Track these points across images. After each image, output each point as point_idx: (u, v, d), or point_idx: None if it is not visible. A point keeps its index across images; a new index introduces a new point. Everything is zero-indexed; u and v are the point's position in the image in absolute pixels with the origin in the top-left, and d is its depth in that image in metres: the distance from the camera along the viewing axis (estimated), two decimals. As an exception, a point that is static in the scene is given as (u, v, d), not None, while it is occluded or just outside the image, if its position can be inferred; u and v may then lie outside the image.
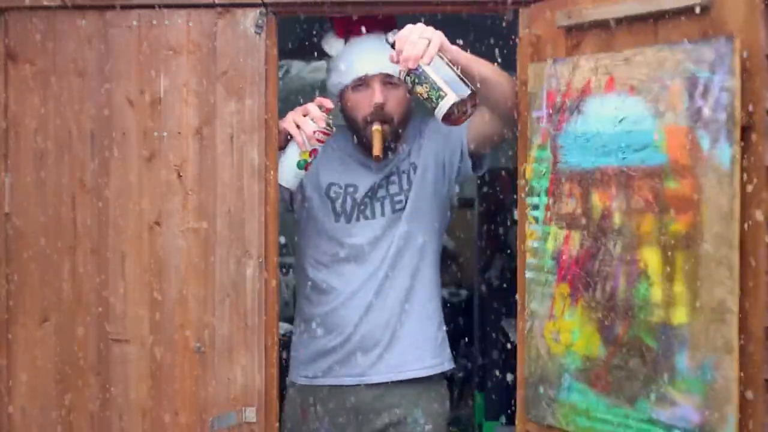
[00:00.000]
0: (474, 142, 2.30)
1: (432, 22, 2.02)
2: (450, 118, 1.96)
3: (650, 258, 1.68)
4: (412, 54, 1.92)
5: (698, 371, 1.61)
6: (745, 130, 1.58)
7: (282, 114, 2.16)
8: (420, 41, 1.92)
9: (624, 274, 1.73)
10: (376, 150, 2.20)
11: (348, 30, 2.35)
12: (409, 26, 1.96)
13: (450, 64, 1.96)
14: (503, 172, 4.17)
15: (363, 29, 2.33)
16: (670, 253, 1.65)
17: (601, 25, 1.84)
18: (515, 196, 2.07)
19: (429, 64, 1.93)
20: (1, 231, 2.11)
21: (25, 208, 2.10)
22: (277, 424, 2.12)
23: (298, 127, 2.14)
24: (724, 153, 1.56)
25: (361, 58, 2.29)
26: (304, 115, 2.14)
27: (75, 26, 2.09)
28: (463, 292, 5.08)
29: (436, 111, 1.96)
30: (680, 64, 1.63)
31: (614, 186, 1.75)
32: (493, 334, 4.00)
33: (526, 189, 1.96)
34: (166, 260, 2.08)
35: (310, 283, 2.41)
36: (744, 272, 1.58)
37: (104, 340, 2.09)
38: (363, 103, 2.28)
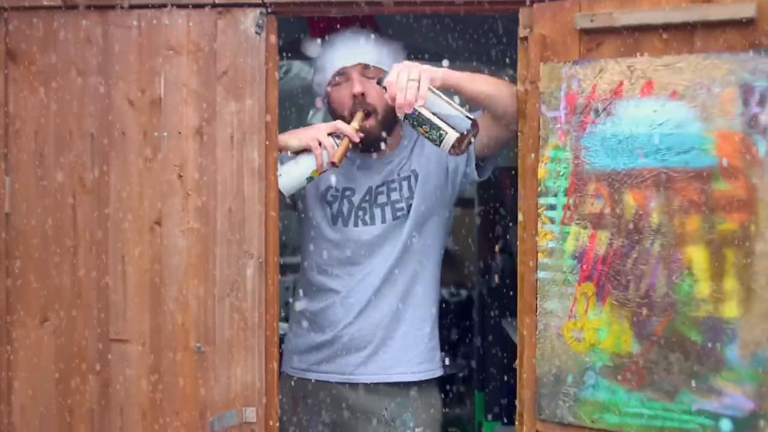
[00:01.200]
0: (480, 147, 2.29)
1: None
2: (454, 151, 2.03)
3: (695, 255, 1.78)
4: (405, 100, 1.97)
5: (751, 361, 1.73)
6: None
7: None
8: (410, 84, 1.97)
9: (663, 271, 1.81)
10: (336, 158, 2.17)
11: (323, 29, 2.36)
12: (395, 69, 2.01)
13: (444, 97, 2.01)
14: (503, 172, 4.17)
15: (338, 26, 2.34)
16: (718, 251, 1.76)
17: (627, 29, 1.88)
18: (516, 196, 2.07)
19: (423, 105, 1.99)
20: (1, 231, 2.11)
21: (25, 208, 2.10)
22: (278, 424, 2.12)
23: (320, 143, 2.16)
24: None
25: (337, 52, 2.31)
26: (329, 134, 2.17)
27: (75, 26, 2.09)
28: (463, 292, 5.07)
29: (441, 147, 2.03)
30: (733, 72, 1.74)
31: (652, 186, 1.82)
32: (493, 334, 3.99)
33: (539, 189, 1.96)
34: (166, 260, 2.08)
35: (307, 280, 2.41)
36: None
37: (104, 340, 2.09)
38: (345, 97, 2.29)
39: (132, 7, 2.08)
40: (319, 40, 2.37)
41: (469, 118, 2.00)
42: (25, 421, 2.11)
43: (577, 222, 1.92)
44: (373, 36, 2.33)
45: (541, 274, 1.97)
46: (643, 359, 1.84)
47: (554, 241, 1.95)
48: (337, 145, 2.18)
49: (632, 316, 1.85)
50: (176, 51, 2.08)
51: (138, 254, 2.08)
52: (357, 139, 2.18)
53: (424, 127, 2.00)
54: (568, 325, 1.93)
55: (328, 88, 2.33)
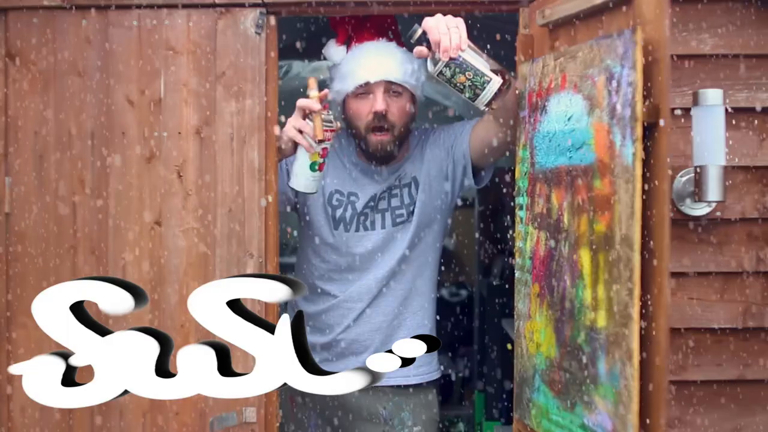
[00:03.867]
0: (478, 153, 2.28)
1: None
2: (490, 103, 1.95)
3: (585, 259, 1.65)
4: (453, 43, 1.89)
5: (610, 377, 1.57)
6: (651, 128, 1.54)
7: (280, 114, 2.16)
8: (453, 29, 1.90)
9: (569, 275, 1.69)
10: (317, 134, 2.05)
11: (350, 37, 2.34)
12: (432, 18, 1.93)
13: (477, 50, 1.95)
14: (503, 172, 4.18)
15: (365, 36, 2.32)
16: (596, 255, 1.61)
17: (568, 22, 1.82)
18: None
19: (465, 51, 1.91)
20: (1, 231, 2.11)
21: (25, 208, 2.10)
22: (278, 424, 2.12)
23: (300, 131, 2.07)
24: (628, 150, 1.52)
25: (363, 64, 2.26)
26: (304, 118, 2.07)
27: (75, 26, 2.09)
28: (463, 292, 5.08)
29: (481, 96, 1.93)
30: (603, 59, 1.59)
31: (564, 186, 1.72)
32: (493, 334, 3.99)
33: (516, 189, 1.96)
34: (166, 260, 2.08)
35: (305, 282, 2.40)
36: (649, 275, 1.53)
37: (104, 340, 2.09)
38: (364, 111, 2.25)
39: (132, 7, 2.08)
40: (344, 47, 2.33)
41: (501, 72, 1.94)
42: (25, 421, 2.11)
43: (532, 222, 1.85)
44: (399, 52, 2.30)
45: (516, 274, 1.95)
46: (561, 366, 1.72)
47: (522, 241, 1.91)
48: (311, 122, 2.06)
49: (555, 321, 1.74)
50: (176, 51, 2.08)
51: (138, 254, 2.08)
52: (318, 107, 2.02)
53: (467, 73, 1.91)
54: (527, 326, 1.88)
55: (349, 98, 2.28)
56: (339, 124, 2.11)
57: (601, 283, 1.58)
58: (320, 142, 2.04)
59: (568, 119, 1.70)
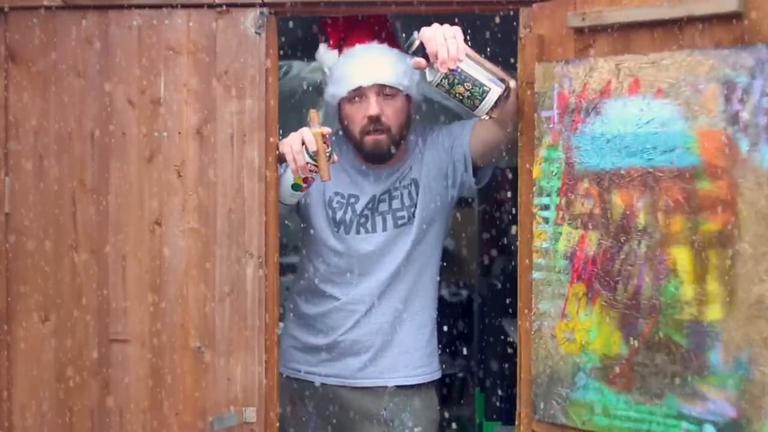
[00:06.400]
0: (478, 153, 2.28)
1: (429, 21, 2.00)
2: (491, 112, 1.96)
3: (680, 257, 1.75)
4: (451, 54, 1.89)
5: (733, 366, 1.69)
6: None
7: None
8: (450, 40, 1.90)
9: (649, 272, 1.78)
10: (301, 169, 2.07)
11: (341, 41, 2.34)
12: (429, 29, 1.93)
13: (477, 55, 1.95)
14: (503, 171, 4.17)
15: (356, 39, 2.32)
16: (702, 252, 1.72)
17: (618, 27, 1.86)
18: (516, 196, 2.07)
19: (462, 61, 1.91)
20: (1, 231, 2.11)
21: (25, 208, 2.10)
22: (278, 424, 2.12)
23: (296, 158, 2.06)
24: (764, 155, 1.65)
25: (355, 69, 2.26)
26: (303, 143, 2.06)
27: (75, 26, 2.09)
28: (463, 292, 5.08)
29: (480, 106, 1.94)
30: (715, 68, 1.70)
31: (639, 186, 1.80)
32: (493, 334, 3.99)
33: (534, 189, 1.96)
34: (166, 260, 2.08)
35: (307, 284, 2.41)
36: None
37: (104, 340, 2.09)
38: (358, 115, 2.25)
39: (132, 7, 2.08)
40: (336, 51, 2.33)
41: (501, 79, 1.94)
42: (25, 421, 2.11)
43: (569, 222, 1.90)
44: (391, 54, 2.29)
45: (535, 275, 1.96)
46: (631, 361, 1.81)
47: (548, 242, 1.94)
48: (309, 155, 2.05)
49: (620, 318, 1.82)
50: (176, 51, 2.08)
51: (138, 254, 2.08)
52: (315, 148, 2.03)
53: (466, 84, 1.91)
54: (560, 325, 1.92)
55: (343, 102, 2.28)
56: (336, 157, 2.11)
57: (713, 279, 1.71)
58: (311, 171, 2.07)
59: (646, 123, 1.78)
